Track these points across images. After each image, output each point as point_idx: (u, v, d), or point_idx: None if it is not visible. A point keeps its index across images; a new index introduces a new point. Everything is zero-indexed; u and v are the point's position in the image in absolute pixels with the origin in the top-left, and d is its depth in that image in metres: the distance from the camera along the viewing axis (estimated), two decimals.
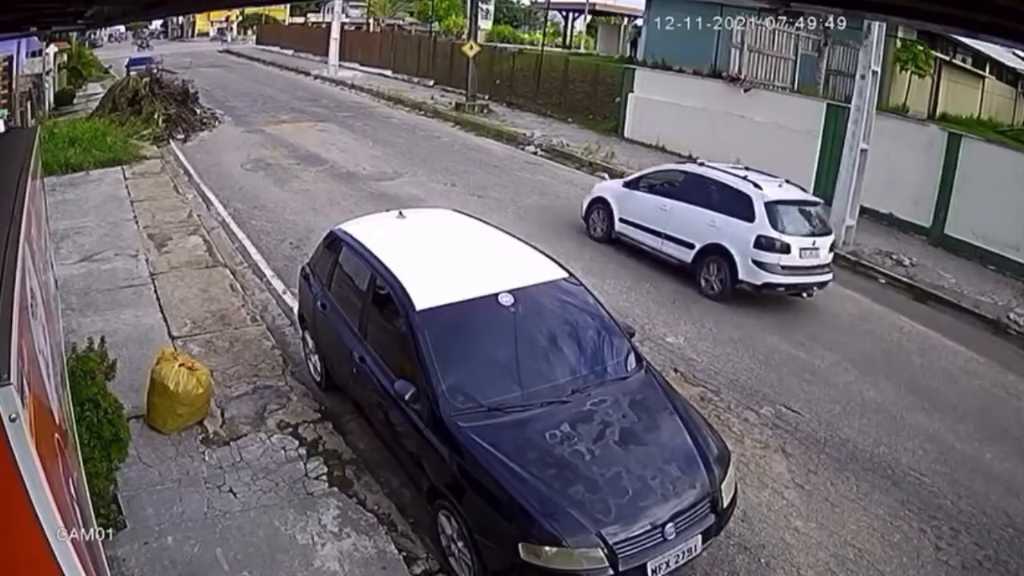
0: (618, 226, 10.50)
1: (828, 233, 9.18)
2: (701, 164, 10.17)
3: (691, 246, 9.34)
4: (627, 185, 10.64)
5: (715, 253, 9.07)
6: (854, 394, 7.16)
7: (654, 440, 4.53)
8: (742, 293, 8.94)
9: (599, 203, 10.91)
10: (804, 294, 9.21)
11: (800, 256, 8.74)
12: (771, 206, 8.78)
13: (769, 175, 9.53)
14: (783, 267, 8.70)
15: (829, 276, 9.16)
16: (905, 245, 12.05)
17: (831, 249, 9.20)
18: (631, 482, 4.16)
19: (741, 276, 8.83)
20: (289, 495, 5.02)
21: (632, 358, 5.18)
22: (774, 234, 8.66)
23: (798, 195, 9.35)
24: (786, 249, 8.65)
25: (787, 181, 9.47)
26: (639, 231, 10.17)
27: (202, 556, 4.41)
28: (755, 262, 8.70)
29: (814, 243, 8.87)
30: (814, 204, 9.38)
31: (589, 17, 37.65)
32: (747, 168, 9.68)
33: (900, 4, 2.22)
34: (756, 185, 9.01)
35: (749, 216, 8.80)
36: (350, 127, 20.04)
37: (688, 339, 8.03)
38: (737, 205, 8.95)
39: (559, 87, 22.68)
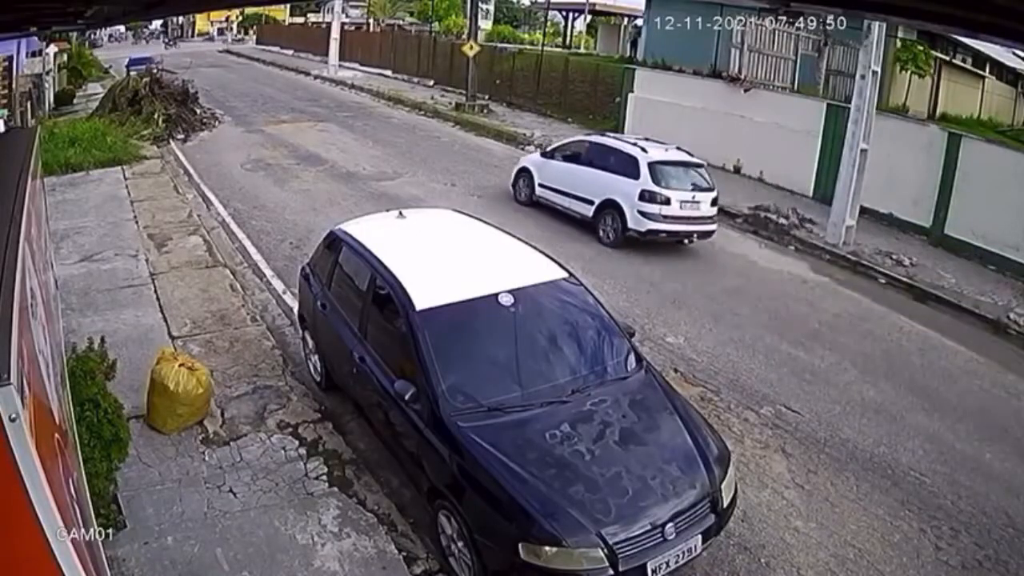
0: (538, 191, 12.21)
1: (710, 190, 10.75)
2: (604, 135, 12.25)
3: (591, 203, 11.03)
4: (544, 155, 12.38)
5: (610, 207, 10.72)
6: (854, 394, 7.16)
7: (654, 440, 4.53)
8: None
9: (523, 172, 12.61)
10: (686, 240, 10.88)
11: (680, 208, 10.35)
12: (654, 166, 10.43)
13: (660, 142, 11.24)
14: (664, 216, 10.30)
15: (712, 227, 10.87)
16: (905, 245, 12.05)
17: (713, 204, 10.77)
18: (631, 482, 4.16)
19: (630, 225, 10.46)
20: (289, 495, 5.02)
21: (632, 358, 5.18)
22: (656, 189, 10.29)
23: (681, 157, 10.92)
24: (667, 201, 10.27)
25: (677, 148, 11.11)
26: (553, 193, 11.86)
27: (202, 556, 4.41)
28: (640, 212, 10.34)
29: (694, 197, 10.52)
30: (697, 166, 10.92)
31: (589, 17, 37.65)
32: (646, 139, 11.43)
33: (900, 4, 2.22)
34: (643, 149, 10.71)
35: (636, 174, 10.45)
36: (350, 127, 20.04)
37: (688, 339, 8.03)
38: (627, 166, 10.62)
39: (559, 87, 22.68)
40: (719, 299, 9.25)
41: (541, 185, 12.12)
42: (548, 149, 12.58)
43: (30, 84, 20.82)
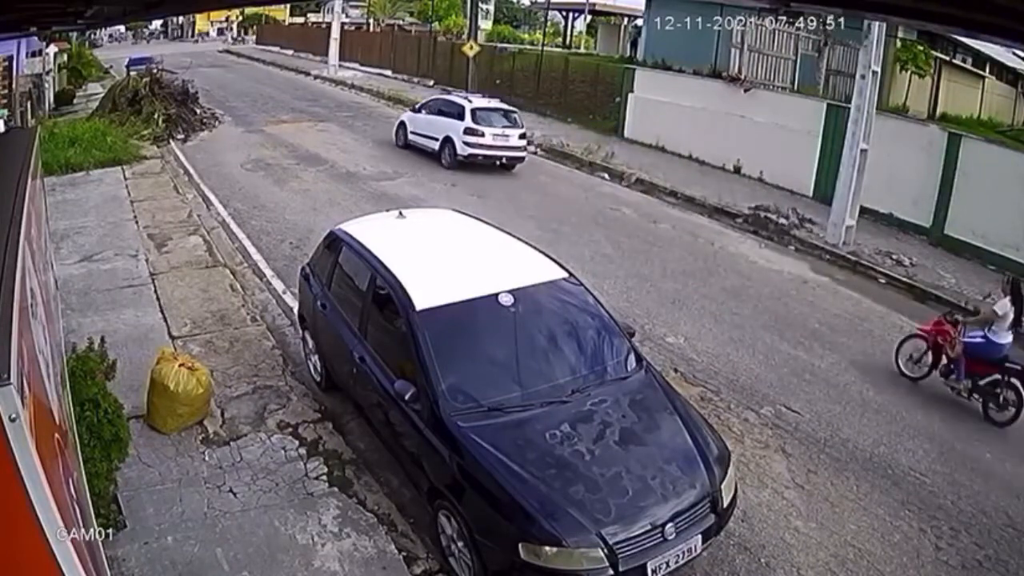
0: (409, 136, 16.84)
1: (518, 127, 15.46)
2: (449, 93, 18.88)
3: (437, 139, 15.64)
4: (413, 111, 17.23)
5: (447, 142, 15.30)
6: (854, 394, 7.16)
7: (654, 440, 4.53)
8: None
9: (401, 124, 17.32)
10: (498, 163, 15.16)
11: (493, 139, 14.91)
12: (475, 111, 15.09)
13: (484, 97, 16.87)
14: (480, 145, 14.84)
15: (520, 154, 15.49)
16: (905, 245, 12.05)
17: (522, 138, 15.46)
18: (631, 482, 4.16)
19: (458, 152, 14.99)
20: (289, 495, 5.02)
21: (632, 358, 5.18)
22: (474, 126, 14.89)
23: (497, 105, 15.98)
24: (482, 135, 14.82)
25: (499, 100, 16.71)
26: (417, 136, 16.53)
27: (202, 556, 4.41)
28: (464, 143, 14.90)
29: (504, 132, 15.11)
30: (508, 112, 15.72)
31: (589, 17, 37.62)
32: (480, 95, 17.20)
33: (900, 4, 2.22)
34: (469, 100, 15.69)
35: (462, 118, 15.07)
36: (350, 127, 20.05)
37: (688, 339, 8.03)
38: (458, 113, 15.26)
39: (559, 87, 22.67)
40: (719, 299, 9.25)
41: (411, 132, 16.77)
42: (416, 107, 17.45)
43: (30, 84, 20.80)
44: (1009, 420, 6.85)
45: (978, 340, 7.12)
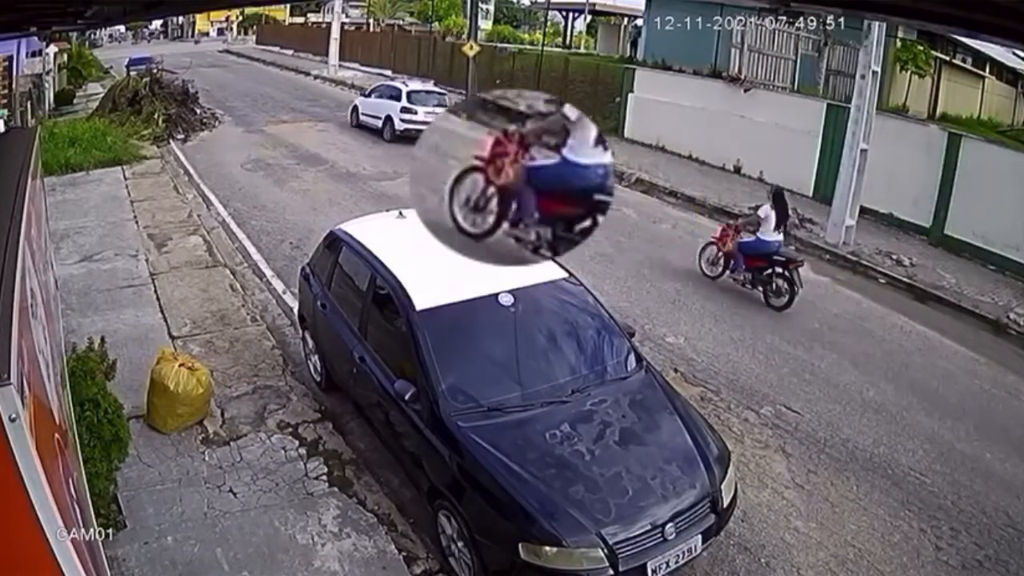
0: (361, 117, 19.41)
1: (445, 106, 17.65)
2: (393, 79, 22.70)
3: (380, 118, 18.53)
4: (363, 96, 20.04)
5: (388, 120, 18.15)
6: (854, 394, 7.16)
7: (654, 440, 4.53)
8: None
9: (354, 108, 19.91)
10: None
11: (424, 116, 17.00)
12: (409, 93, 18.21)
13: (421, 80, 21.59)
14: (414, 121, 17.14)
15: None
16: (905, 245, 12.04)
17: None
18: (631, 482, 4.16)
19: (396, 127, 17.79)
20: (289, 495, 5.02)
21: (632, 358, 5.18)
22: (409, 105, 17.83)
23: (429, 88, 19.52)
24: (415, 112, 17.55)
25: (433, 83, 21.28)
26: (366, 117, 19.22)
27: (202, 556, 4.41)
28: (401, 120, 17.69)
29: (434, 110, 16.57)
30: (440, 94, 19.00)
31: (589, 17, 37.61)
32: (416, 80, 21.60)
33: (900, 4, 2.22)
34: (406, 84, 19.01)
35: (400, 99, 18.11)
36: (350, 127, 20.03)
37: (688, 339, 8.03)
38: (396, 95, 18.37)
39: (559, 87, 22.60)
40: (719, 299, 9.24)
41: (362, 114, 19.39)
42: (366, 92, 20.20)
43: (30, 84, 20.80)
44: (784, 305, 8.82)
45: (750, 240, 9.03)
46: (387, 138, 17.98)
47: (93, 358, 5.76)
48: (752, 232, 9.02)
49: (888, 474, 5.90)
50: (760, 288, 8.99)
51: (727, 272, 9.38)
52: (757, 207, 9.54)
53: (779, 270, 8.79)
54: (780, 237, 8.99)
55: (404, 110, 17.69)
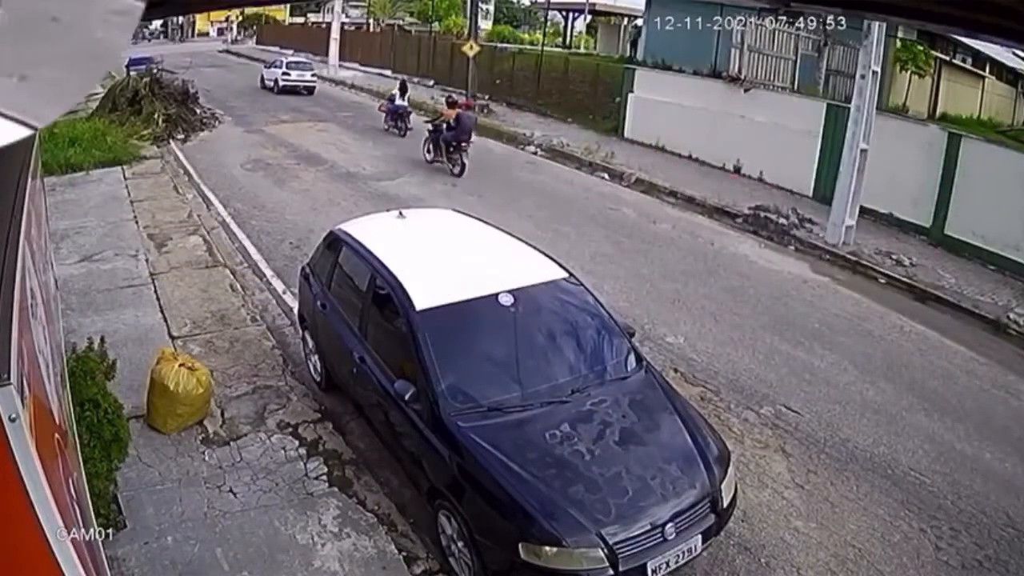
0: (266, 82, 28.24)
1: (310, 70, 27.92)
2: (288, 57, 30.37)
3: (272, 80, 27.77)
4: (265, 67, 29.11)
5: (275, 80, 27.56)
6: (854, 394, 7.16)
7: (654, 440, 4.53)
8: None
9: (260, 76, 28.97)
10: (299, 92, 26.56)
11: (297, 78, 26.96)
12: (288, 63, 27.92)
13: (296, 55, 32.31)
14: (287, 80, 26.92)
15: (312, 85, 27.28)
16: (905, 245, 12.04)
17: (312, 77, 27.52)
18: (631, 482, 4.16)
19: (281, 84, 26.93)
20: (289, 495, 5.02)
21: (632, 358, 5.18)
22: (285, 71, 27.29)
23: (300, 59, 29.43)
24: (288, 75, 26.97)
25: (306, 57, 31.49)
26: (266, 80, 28.40)
27: (202, 556, 4.41)
28: (282, 81, 26.94)
29: (302, 73, 27.27)
30: (307, 64, 28.45)
31: (589, 17, 37.62)
32: (293, 54, 33.08)
33: (900, 4, 2.22)
34: (286, 57, 30.08)
35: (281, 67, 27.58)
36: (350, 127, 20.05)
37: (688, 339, 8.03)
38: (280, 64, 27.95)
39: (559, 87, 22.67)
40: (719, 299, 9.25)
41: (265, 79, 28.20)
42: (266, 64, 28.94)
43: None
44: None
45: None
46: (275, 92, 26.78)
47: (93, 358, 5.76)
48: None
49: (888, 474, 5.90)
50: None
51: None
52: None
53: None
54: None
55: (283, 74, 27.05)
